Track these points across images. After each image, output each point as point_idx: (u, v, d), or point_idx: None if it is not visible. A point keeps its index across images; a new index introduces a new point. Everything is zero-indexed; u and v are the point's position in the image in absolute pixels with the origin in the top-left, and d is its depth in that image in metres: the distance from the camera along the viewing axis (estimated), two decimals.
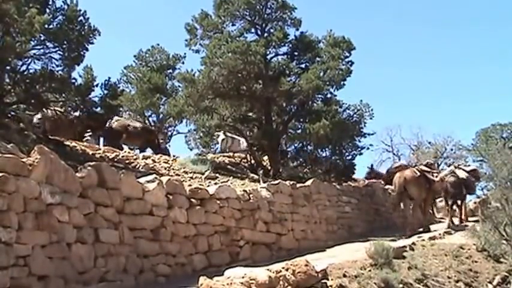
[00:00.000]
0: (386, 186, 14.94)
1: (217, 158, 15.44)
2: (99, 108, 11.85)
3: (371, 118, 14.34)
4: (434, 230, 12.32)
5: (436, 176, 12.82)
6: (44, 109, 11.85)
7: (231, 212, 8.39)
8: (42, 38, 10.55)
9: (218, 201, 8.18)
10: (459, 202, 14.10)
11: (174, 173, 11.33)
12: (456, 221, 13.80)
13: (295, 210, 10.11)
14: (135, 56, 22.85)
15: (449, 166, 16.32)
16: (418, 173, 12.20)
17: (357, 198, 12.88)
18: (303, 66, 14.27)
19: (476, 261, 9.45)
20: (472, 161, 27.56)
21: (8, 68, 10.57)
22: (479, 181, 14.51)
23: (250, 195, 9.01)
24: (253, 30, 14.29)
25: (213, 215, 8.04)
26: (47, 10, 10.80)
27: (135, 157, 12.80)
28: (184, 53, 22.26)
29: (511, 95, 42.66)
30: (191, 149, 22.50)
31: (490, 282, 8.88)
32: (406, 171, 12.44)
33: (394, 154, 28.38)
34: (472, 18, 46.54)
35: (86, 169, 6.28)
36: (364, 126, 14.30)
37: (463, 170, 13.86)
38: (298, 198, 10.34)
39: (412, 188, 12.02)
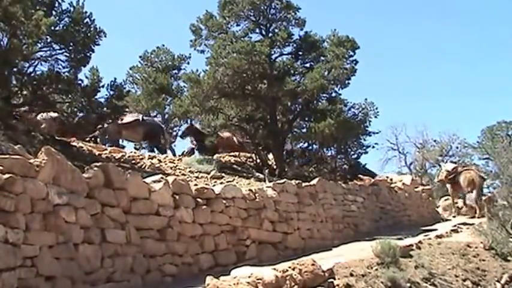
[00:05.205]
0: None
1: (223, 157, 15.50)
2: (105, 109, 11.94)
3: (376, 117, 14.33)
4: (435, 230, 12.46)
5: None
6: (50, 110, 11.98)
7: (237, 212, 8.39)
8: (48, 40, 10.63)
9: (224, 201, 8.18)
10: None
11: (179, 172, 11.39)
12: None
13: (301, 209, 10.10)
14: (140, 56, 22.99)
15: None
16: (479, 173, 15.29)
17: (363, 197, 12.84)
18: (307, 65, 14.26)
19: (483, 260, 9.41)
20: (477, 159, 27.63)
21: (15, 70, 10.66)
22: None
23: (256, 195, 9.01)
24: (257, 30, 14.29)
25: (219, 215, 8.04)
26: (53, 12, 10.90)
27: (141, 157, 12.87)
28: (189, 54, 22.41)
29: None
30: None
31: (498, 281, 8.84)
32: (472, 172, 15.24)
33: (399, 152, 28.35)
34: (476, 16, 46.36)
35: (92, 170, 6.30)
36: (369, 124, 14.28)
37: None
38: (304, 197, 10.33)
39: (476, 185, 14.80)
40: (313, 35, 14.43)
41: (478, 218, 14.44)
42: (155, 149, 16.23)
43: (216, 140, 15.75)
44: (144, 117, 16.75)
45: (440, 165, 18.40)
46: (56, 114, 12.86)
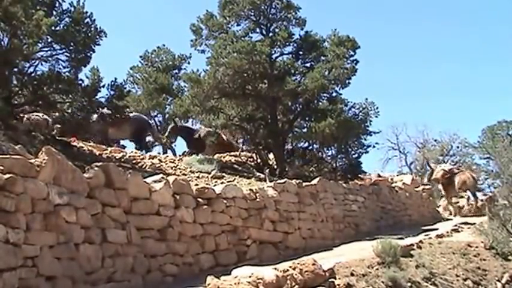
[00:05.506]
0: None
1: (224, 157, 15.49)
2: (105, 109, 11.94)
3: (376, 116, 14.36)
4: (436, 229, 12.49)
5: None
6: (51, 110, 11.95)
7: (237, 212, 8.39)
8: (49, 40, 10.63)
9: (225, 201, 8.18)
10: None
11: (180, 172, 11.38)
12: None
13: (302, 209, 10.10)
14: (141, 56, 22.96)
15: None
16: (473, 175, 16.48)
17: (364, 197, 12.84)
18: (308, 65, 14.27)
19: (484, 259, 9.41)
20: (478, 158, 27.61)
21: (15, 70, 10.67)
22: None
23: (257, 195, 9.00)
24: (258, 30, 14.29)
25: (220, 215, 8.04)
26: (54, 12, 10.90)
27: (141, 157, 12.86)
28: (190, 54, 22.37)
29: None
30: None
31: (499, 281, 8.83)
32: (467, 174, 16.16)
33: (400, 152, 28.33)
34: (476, 16, 46.34)
35: (93, 169, 6.30)
36: (370, 124, 14.29)
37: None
38: (305, 197, 10.33)
39: (472, 185, 15.99)
40: (313, 35, 14.43)
41: (478, 216, 14.71)
42: (142, 147, 15.93)
43: (205, 135, 15.66)
44: (130, 114, 15.90)
45: (429, 166, 18.61)
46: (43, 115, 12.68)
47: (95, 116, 12.99)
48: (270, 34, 14.15)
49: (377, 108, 14.28)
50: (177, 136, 17.18)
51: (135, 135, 15.88)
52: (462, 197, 17.09)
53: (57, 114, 12.37)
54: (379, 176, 17.51)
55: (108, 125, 14.02)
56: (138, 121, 15.87)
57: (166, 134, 16.99)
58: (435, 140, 28.64)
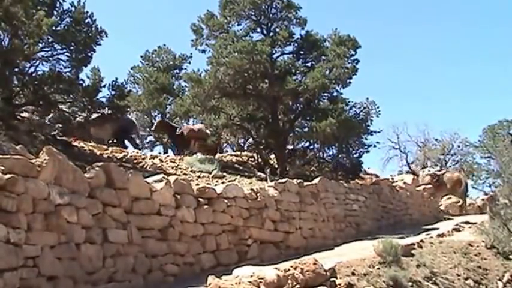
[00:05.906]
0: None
1: (225, 157, 15.49)
2: (106, 109, 11.96)
3: (377, 116, 14.41)
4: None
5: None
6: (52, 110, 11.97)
7: (238, 211, 8.39)
8: (49, 40, 10.65)
9: (226, 201, 8.18)
10: None
11: (181, 172, 11.38)
12: None
13: (303, 209, 10.10)
14: (141, 56, 23.00)
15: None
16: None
17: (364, 196, 12.83)
18: (308, 65, 14.27)
19: (485, 259, 9.40)
20: (479, 157, 27.65)
21: (16, 70, 10.68)
22: None
23: (258, 194, 9.00)
24: (258, 29, 14.30)
25: (221, 214, 8.04)
26: (55, 12, 10.92)
27: (143, 157, 12.87)
28: (191, 53, 22.45)
29: None
30: None
31: (500, 280, 8.82)
32: (455, 174, 17.97)
33: (401, 151, 28.29)
34: (477, 16, 46.31)
35: (94, 169, 6.30)
36: (371, 124, 14.34)
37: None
38: (306, 196, 10.32)
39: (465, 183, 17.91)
40: (314, 34, 14.43)
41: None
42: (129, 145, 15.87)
43: (188, 132, 15.68)
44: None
45: (410, 168, 19.06)
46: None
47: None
48: (271, 34, 14.16)
49: (378, 107, 14.34)
50: (163, 132, 17.38)
51: (117, 134, 15.68)
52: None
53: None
54: (365, 172, 17.46)
55: (90, 124, 13.80)
56: (121, 120, 15.28)
57: (153, 127, 17.26)
58: (436, 140, 28.66)
